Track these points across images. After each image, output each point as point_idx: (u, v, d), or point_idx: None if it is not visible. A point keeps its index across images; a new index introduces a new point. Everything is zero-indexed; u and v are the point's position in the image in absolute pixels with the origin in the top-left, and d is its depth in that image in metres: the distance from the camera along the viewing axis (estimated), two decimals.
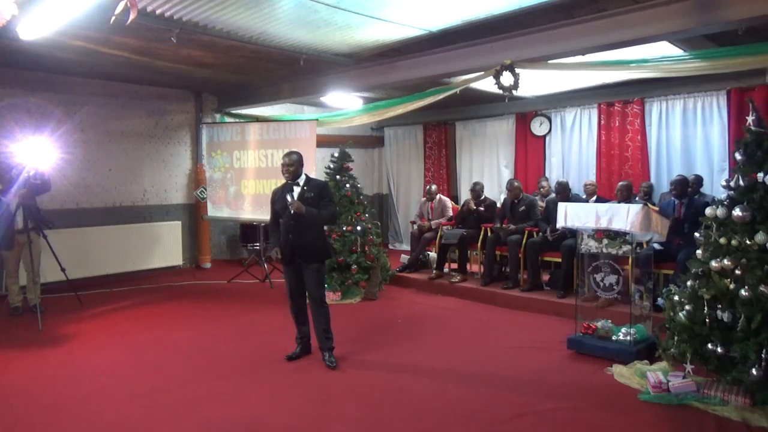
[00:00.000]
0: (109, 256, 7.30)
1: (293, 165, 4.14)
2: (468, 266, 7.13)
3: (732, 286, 3.32)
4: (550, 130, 8.33)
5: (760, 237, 3.23)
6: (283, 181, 4.25)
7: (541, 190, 7.41)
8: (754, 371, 3.16)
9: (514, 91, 5.15)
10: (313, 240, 4.14)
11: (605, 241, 4.39)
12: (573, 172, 8.07)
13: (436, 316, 5.66)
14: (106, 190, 7.51)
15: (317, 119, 7.60)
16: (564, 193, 6.47)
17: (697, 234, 3.70)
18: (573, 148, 8.14)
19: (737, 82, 6.41)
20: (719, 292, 3.36)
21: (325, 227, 4.68)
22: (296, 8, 4.46)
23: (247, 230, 8.13)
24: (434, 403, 3.49)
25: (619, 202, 5.55)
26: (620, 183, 5.99)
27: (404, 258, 7.80)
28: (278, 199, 4.20)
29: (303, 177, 4.20)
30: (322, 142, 8.10)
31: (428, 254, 7.62)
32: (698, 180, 6.35)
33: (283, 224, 4.15)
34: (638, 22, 4.27)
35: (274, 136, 7.48)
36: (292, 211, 4.00)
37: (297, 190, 4.13)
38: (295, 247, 4.10)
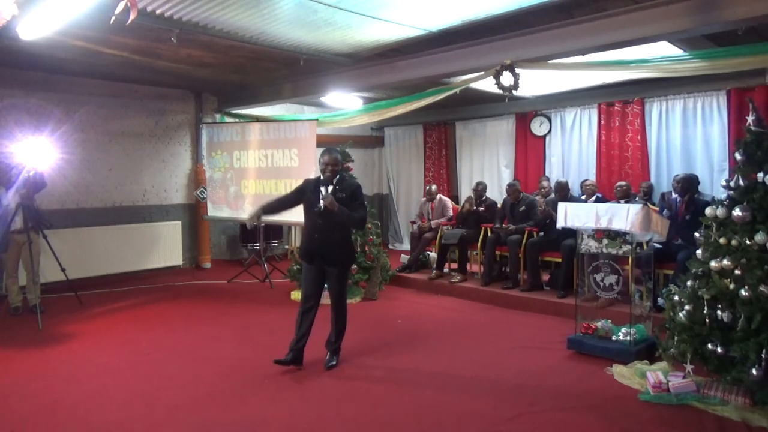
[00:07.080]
0: (109, 256, 7.30)
1: (336, 164, 3.96)
2: (468, 266, 7.13)
3: (732, 286, 3.32)
4: (550, 130, 8.33)
5: (760, 237, 3.23)
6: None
7: (542, 189, 7.41)
8: (754, 371, 3.16)
9: (514, 91, 5.14)
10: (340, 242, 4.02)
11: (605, 241, 4.39)
12: (573, 172, 8.07)
13: (436, 317, 5.66)
14: (106, 190, 7.50)
15: (317, 119, 7.59)
16: (563, 192, 6.47)
17: (697, 234, 3.70)
18: (573, 148, 8.15)
19: (737, 82, 6.40)
20: (719, 292, 3.36)
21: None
22: (296, 8, 4.46)
23: (247, 230, 8.12)
24: (434, 403, 3.49)
25: (618, 201, 5.55)
26: (619, 182, 6.01)
27: (404, 258, 7.80)
28: (310, 190, 4.01)
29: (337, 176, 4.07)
30: (322, 142, 8.08)
31: (428, 254, 7.63)
32: (695, 179, 6.34)
33: (310, 222, 4.01)
34: (638, 22, 4.26)
35: (274, 136, 7.47)
36: (322, 206, 3.82)
37: (329, 188, 3.93)
38: (320, 247, 3.99)
